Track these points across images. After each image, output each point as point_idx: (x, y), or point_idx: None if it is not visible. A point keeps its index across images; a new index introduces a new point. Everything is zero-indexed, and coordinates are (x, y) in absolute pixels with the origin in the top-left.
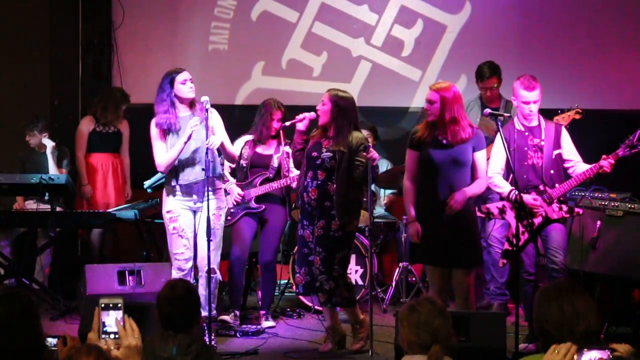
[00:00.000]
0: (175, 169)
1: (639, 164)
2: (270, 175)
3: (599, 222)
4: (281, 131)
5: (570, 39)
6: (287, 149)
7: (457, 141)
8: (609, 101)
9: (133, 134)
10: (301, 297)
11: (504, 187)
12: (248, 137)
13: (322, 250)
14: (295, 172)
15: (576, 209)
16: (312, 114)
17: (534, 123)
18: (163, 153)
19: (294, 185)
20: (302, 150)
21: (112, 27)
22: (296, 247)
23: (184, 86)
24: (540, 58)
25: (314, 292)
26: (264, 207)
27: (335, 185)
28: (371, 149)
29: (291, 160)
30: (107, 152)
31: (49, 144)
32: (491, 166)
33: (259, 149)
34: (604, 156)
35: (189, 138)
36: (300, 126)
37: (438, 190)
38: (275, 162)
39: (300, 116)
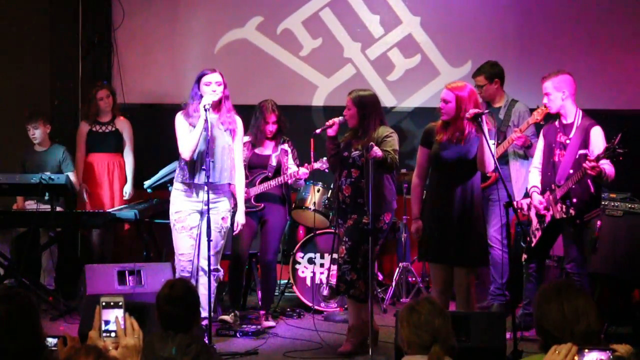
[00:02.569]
0: (193, 168)
1: (639, 164)
2: (269, 174)
3: (599, 222)
4: (312, 140)
5: (571, 39)
6: (286, 147)
7: (467, 139)
8: (609, 101)
9: (133, 134)
10: (301, 297)
11: (530, 183)
12: (246, 138)
13: (348, 240)
14: (293, 169)
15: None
16: (341, 118)
17: (570, 120)
18: (185, 139)
19: (290, 181)
20: (335, 156)
21: (112, 27)
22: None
23: (207, 88)
24: (540, 58)
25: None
26: (263, 205)
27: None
28: (374, 147)
29: (290, 157)
30: (106, 152)
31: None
32: (533, 161)
33: (258, 150)
34: (589, 158)
35: (206, 123)
36: (331, 132)
37: (446, 188)
38: (274, 161)
39: (330, 122)
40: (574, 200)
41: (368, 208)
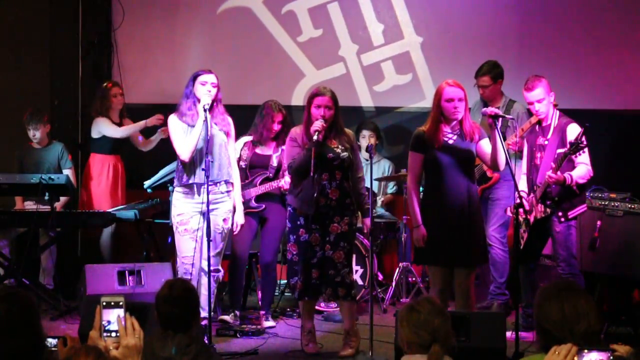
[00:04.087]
0: (192, 168)
1: (639, 164)
2: (270, 174)
3: (599, 222)
4: (312, 149)
5: (571, 39)
6: None
7: (469, 138)
8: (609, 101)
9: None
10: None
11: (519, 188)
12: (247, 138)
13: (346, 245)
14: (283, 181)
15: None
16: (322, 121)
17: (548, 122)
18: (183, 140)
19: (286, 187)
20: (311, 160)
21: (112, 27)
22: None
23: (202, 87)
24: (540, 58)
25: (313, 294)
26: (264, 206)
27: (351, 182)
28: None
29: None
30: (115, 154)
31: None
32: (522, 168)
33: (258, 150)
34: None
35: (205, 122)
36: (320, 137)
37: (450, 190)
38: (274, 162)
39: (319, 127)
40: (556, 198)
41: (358, 208)
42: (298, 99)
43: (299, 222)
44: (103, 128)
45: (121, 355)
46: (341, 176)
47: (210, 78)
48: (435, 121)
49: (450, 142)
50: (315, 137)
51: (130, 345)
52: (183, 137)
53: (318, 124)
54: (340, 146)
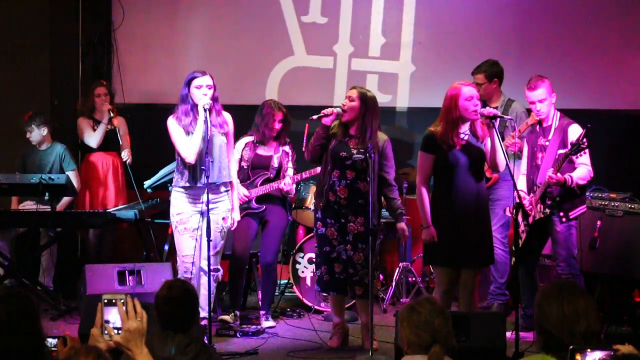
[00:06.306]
0: (192, 169)
1: (639, 164)
2: (271, 175)
3: (599, 222)
4: (307, 125)
5: (571, 39)
6: (287, 149)
7: (481, 138)
8: (609, 101)
9: (133, 134)
10: (301, 297)
11: (518, 188)
12: (248, 139)
13: (363, 246)
14: (290, 173)
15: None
16: (339, 109)
17: (549, 122)
18: (187, 143)
19: (286, 189)
20: (322, 146)
21: (112, 27)
22: (315, 247)
23: (197, 91)
24: (540, 58)
25: (338, 289)
26: (264, 207)
27: (368, 185)
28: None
29: (290, 160)
30: (107, 151)
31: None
32: (521, 167)
33: (260, 150)
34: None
35: (205, 122)
36: (327, 121)
37: (464, 191)
38: (275, 162)
39: (328, 111)
40: (557, 198)
41: (371, 209)
42: (276, 75)
43: (317, 215)
44: (80, 131)
45: (124, 340)
46: (354, 177)
47: (204, 81)
48: (451, 122)
49: (464, 142)
50: (314, 116)
51: (132, 329)
52: (185, 139)
53: (328, 110)
54: (359, 148)
